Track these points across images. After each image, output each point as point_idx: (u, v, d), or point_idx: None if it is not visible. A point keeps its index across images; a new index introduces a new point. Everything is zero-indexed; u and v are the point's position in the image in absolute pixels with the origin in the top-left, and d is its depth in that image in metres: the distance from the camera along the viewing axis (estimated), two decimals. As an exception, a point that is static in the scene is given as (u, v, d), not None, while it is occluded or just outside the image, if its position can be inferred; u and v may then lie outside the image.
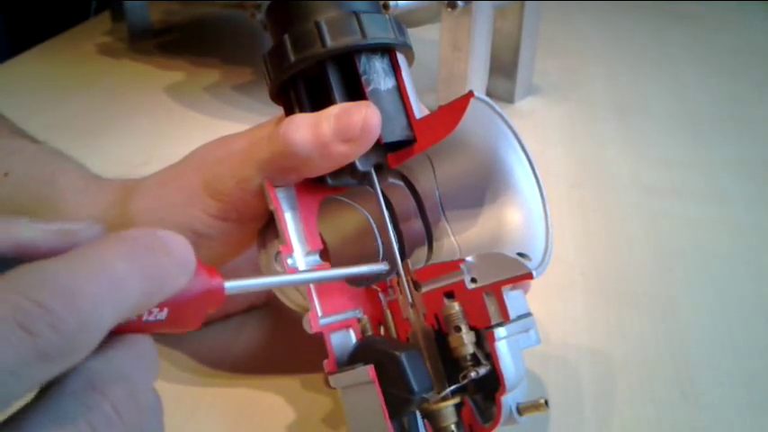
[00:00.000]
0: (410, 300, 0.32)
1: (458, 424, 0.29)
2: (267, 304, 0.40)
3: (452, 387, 0.29)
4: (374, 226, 0.35)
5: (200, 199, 0.31)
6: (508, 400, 0.28)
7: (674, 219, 0.50)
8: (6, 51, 0.78)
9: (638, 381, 0.36)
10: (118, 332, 0.20)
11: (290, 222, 0.30)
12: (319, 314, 0.29)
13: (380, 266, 0.28)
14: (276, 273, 0.30)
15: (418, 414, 0.29)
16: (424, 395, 0.28)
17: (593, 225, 0.49)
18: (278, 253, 0.30)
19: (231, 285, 0.23)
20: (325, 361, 0.29)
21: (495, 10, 0.61)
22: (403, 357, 0.28)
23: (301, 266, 0.30)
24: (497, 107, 0.32)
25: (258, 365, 0.37)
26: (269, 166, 0.30)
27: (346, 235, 0.35)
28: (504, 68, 0.66)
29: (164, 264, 0.20)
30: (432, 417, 0.29)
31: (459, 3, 0.58)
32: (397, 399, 0.28)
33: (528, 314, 0.30)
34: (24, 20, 0.86)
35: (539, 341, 0.31)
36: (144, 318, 0.21)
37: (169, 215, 0.32)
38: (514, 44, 0.65)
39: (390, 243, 0.32)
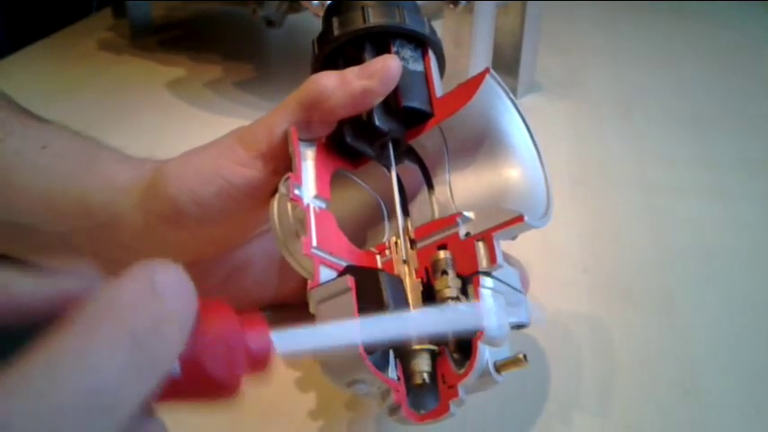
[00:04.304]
0: (403, 256, 0.32)
1: (431, 374, 0.28)
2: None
3: (427, 306, 0.29)
4: (382, 203, 0.36)
5: (232, 150, 0.33)
6: (485, 352, 0.28)
7: (678, 216, 0.50)
8: (7, 47, 0.78)
9: (640, 378, 0.36)
10: None
11: (305, 164, 0.32)
12: (314, 243, 0.29)
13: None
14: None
15: (391, 353, 0.28)
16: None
17: (596, 222, 0.49)
18: (287, 178, 0.31)
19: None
20: (309, 281, 0.29)
21: (498, 8, 0.61)
22: (382, 274, 0.28)
23: (307, 200, 0.31)
24: (504, 84, 0.35)
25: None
26: (297, 108, 0.33)
27: (352, 210, 0.36)
28: (506, 66, 0.66)
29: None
30: (405, 359, 0.28)
31: (462, 0, 0.58)
32: (371, 313, 0.27)
33: (520, 291, 0.31)
34: (25, 16, 0.86)
35: (528, 320, 0.31)
36: None
37: (201, 164, 0.34)
38: (516, 41, 0.65)
39: (397, 214, 0.33)
